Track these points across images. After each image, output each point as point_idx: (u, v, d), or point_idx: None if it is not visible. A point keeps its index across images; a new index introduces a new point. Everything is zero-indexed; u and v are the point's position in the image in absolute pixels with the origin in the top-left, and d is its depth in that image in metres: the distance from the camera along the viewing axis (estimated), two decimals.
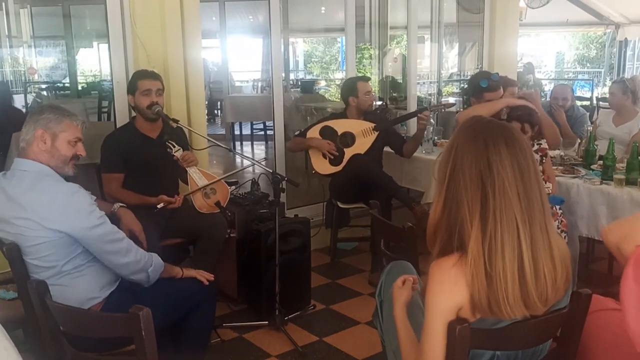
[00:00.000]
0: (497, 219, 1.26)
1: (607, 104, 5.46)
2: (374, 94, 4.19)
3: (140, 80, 2.90)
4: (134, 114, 3.07)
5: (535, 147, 3.06)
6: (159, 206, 2.76)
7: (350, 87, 3.84)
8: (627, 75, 9.67)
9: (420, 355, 1.34)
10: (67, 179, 2.02)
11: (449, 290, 1.28)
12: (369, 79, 4.05)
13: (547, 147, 3.12)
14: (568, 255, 1.37)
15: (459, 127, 1.38)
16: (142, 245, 2.39)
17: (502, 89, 3.46)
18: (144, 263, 2.05)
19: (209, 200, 2.86)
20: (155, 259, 2.12)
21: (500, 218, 1.26)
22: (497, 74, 3.70)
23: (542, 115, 3.32)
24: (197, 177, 2.84)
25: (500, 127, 1.33)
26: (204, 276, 2.28)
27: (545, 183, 3.06)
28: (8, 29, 6.50)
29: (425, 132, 4.18)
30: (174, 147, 2.85)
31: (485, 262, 1.25)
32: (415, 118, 4.34)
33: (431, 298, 1.31)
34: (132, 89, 2.93)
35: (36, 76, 7.55)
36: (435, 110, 4.18)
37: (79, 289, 1.95)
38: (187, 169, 2.84)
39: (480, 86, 3.53)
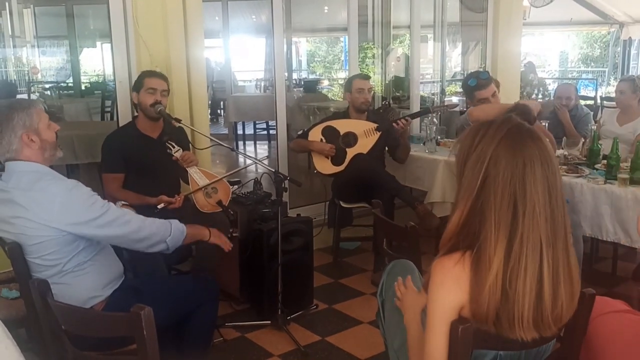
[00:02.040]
0: (523, 243, 1.23)
1: (611, 103, 5.43)
2: (374, 92, 4.11)
3: (148, 78, 2.91)
4: (135, 113, 3.06)
5: None
6: (159, 207, 2.75)
7: (347, 84, 3.88)
8: (632, 74, 9.63)
9: (423, 355, 1.33)
10: (68, 175, 2.01)
11: (451, 289, 1.27)
12: (368, 77, 4.00)
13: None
14: (578, 266, 1.36)
15: (495, 129, 1.29)
16: None
17: (493, 86, 3.44)
18: (161, 235, 2.04)
19: (210, 200, 2.85)
20: (175, 226, 2.10)
21: (527, 243, 1.24)
22: (487, 72, 3.69)
23: (540, 128, 3.31)
24: (197, 176, 2.83)
25: (538, 145, 1.27)
26: (227, 245, 2.36)
27: None
28: (11, 29, 6.52)
29: (429, 132, 4.18)
30: (174, 147, 2.85)
31: (505, 283, 1.23)
32: (418, 118, 4.35)
33: (433, 297, 1.30)
34: (137, 86, 2.94)
35: (39, 76, 7.58)
36: (438, 111, 4.17)
37: (81, 287, 1.95)
38: (188, 169, 2.84)
39: (469, 85, 3.51)
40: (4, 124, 1.90)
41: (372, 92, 3.99)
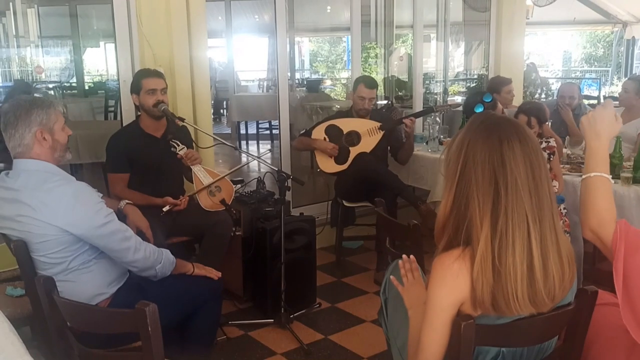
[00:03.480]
0: (508, 216, 1.26)
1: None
2: (376, 99, 3.93)
3: (145, 79, 2.90)
4: (138, 113, 3.07)
5: (544, 144, 3.06)
6: (164, 209, 2.77)
7: (354, 84, 3.85)
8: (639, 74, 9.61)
9: (419, 348, 1.35)
10: (71, 174, 2.02)
11: (451, 285, 1.29)
12: (375, 85, 3.79)
13: (555, 145, 3.12)
14: (572, 253, 1.38)
15: (470, 122, 1.37)
16: (149, 242, 2.39)
17: (499, 106, 3.43)
18: (152, 260, 2.05)
19: (214, 198, 2.87)
20: (166, 255, 2.12)
21: (512, 215, 1.26)
22: (489, 94, 3.64)
23: (551, 132, 3.31)
24: (202, 175, 2.85)
25: (514, 125, 1.33)
26: (213, 273, 2.29)
27: (552, 181, 3.06)
28: (15, 29, 6.53)
29: (431, 131, 4.19)
30: (178, 145, 2.87)
31: (495, 258, 1.25)
32: (421, 117, 4.32)
33: (433, 292, 1.32)
34: (136, 88, 2.93)
35: (43, 75, 7.59)
36: (442, 110, 4.18)
37: (86, 285, 1.96)
38: (192, 167, 2.85)
39: (475, 112, 3.49)
40: (22, 117, 1.91)
41: (375, 100, 3.82)
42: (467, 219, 1.29)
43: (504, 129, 1.30)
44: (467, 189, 1.29)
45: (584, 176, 1.52)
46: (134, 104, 3.01)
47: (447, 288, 1.29)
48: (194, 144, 3.13)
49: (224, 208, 2.86)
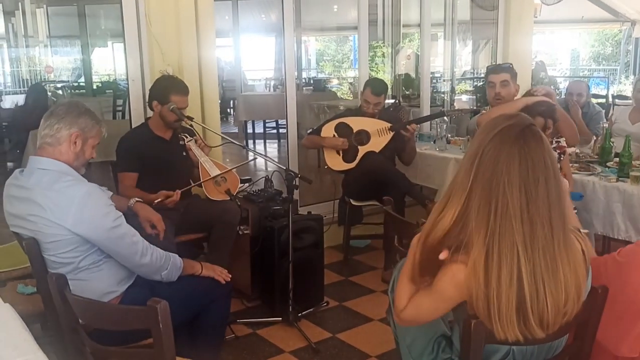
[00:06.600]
0: (495, 240, 1.26)
1: (623, 101, 5.38)
2: (381, 102, 3.80)
3: (177, 97, 2.86)
4: (148, 114, 3.08)
5: (554, 144, 3.05)
6: (155, 201, 2.73)
7: (364, 86, 3.83)
8: None
9: (413, 305, 1.44)
10: (87, 178, 2.04)
11: (455, 294, 1.33)
12: (381, 92, 3.73)
13: (565, 145, 3.10)
14: (584, 260, 1.35)
15: (486, 128, 1.34)
16: (160, 234, 2.40)
17: (504, 76, 3.38)
18: (158, 266, 2.05)
19: (219, 188, 2.90)
20: (173, 261, 2.11)
21: (500, 240, 1.26)
22: (511, 64, 3.68)
23: (561, 113, 3.28)
24: (208, 166, 2.88)
25: (522, 144, 1.28)
26: (222, 275, 2.28)
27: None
28: (25, 29, 6.59)
29: (439, 130, 4.18)
30: (187, 137, 2.89)
31: (482, 277, 1.26)
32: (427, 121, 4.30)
33: (438, 289, 1.36)
34: (162, 99, 2.87)
35: (52, 75, 7.65)
36: (451, 114, 4.17)
37: (97, 283, 1.97)
38: (200, 158, 2.87)
39: (488, 68, 3.61)
40: (70, 115, 1.97)
41: (381, 106, 3.77)
42: (467, 235, 1.30)
43: (509, 150, 1.27)
44: (472, 205, 1.29)
45: None
46: (154, 110, 2.97)
47: (451, 295, 1.34)
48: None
49: (229, 198, 2.87)
